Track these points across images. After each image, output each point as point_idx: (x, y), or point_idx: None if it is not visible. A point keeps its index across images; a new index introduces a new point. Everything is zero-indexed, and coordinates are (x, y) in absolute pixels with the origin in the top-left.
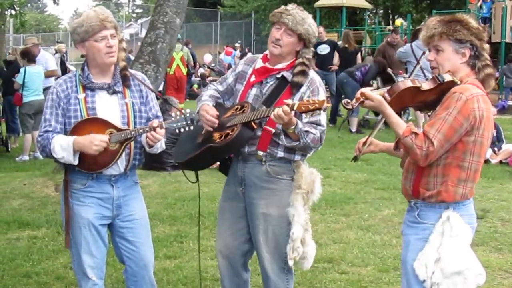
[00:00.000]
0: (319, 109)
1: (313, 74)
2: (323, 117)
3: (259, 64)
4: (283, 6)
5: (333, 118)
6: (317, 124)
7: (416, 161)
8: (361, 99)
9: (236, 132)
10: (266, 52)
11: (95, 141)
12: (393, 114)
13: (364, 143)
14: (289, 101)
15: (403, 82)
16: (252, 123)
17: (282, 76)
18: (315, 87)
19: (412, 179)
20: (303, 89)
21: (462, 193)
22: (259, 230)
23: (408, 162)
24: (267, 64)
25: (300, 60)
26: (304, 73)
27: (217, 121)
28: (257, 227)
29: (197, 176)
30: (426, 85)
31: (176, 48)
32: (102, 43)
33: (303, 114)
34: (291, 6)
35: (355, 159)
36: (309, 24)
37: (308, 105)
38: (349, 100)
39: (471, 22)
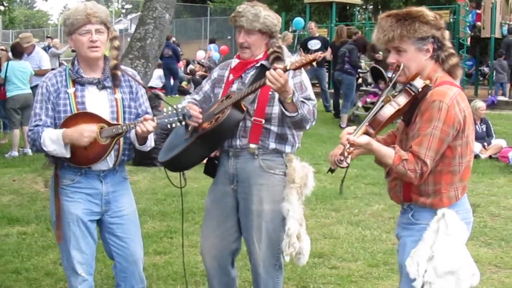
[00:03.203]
0: (314, 60)
1: (292, 59)
2: (311, 92)
3: (234, 62)
4: (237, 8)
5: (337, 112)
6: (307, 98)
7: (412, 182)
8: (351, 150)
9: (227, 113)
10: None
11: (85, 133)
12: (380, 147)
13: (341, 154)
14: (280, 65)
15: (384, 112)
16: (242, 105)
17: (262, 64)
18: (297, 70)
19: (401, 185)
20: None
21: (455, 195)
22: (253, 227)
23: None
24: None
25: (270, 50)
26: (279, 58)
27: (201, 116)
28: (251, 223)
29: (184, 179)
30: (402, 102)
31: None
32: (85, 37)
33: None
34: (242, 7)
35: (332, 171)
36: (264, 17)
37: (301, 60)
38: (341, 158)
39: (428, 15)
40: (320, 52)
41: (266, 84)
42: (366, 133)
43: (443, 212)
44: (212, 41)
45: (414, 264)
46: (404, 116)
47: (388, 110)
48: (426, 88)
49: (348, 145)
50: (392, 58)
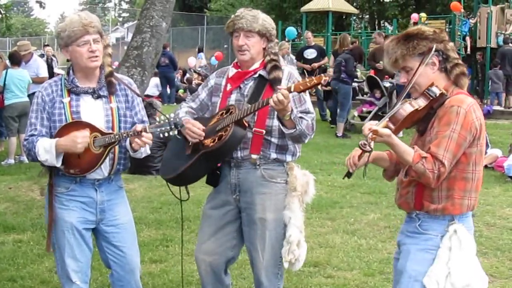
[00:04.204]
0: (319, 83)
1: (289, 69)
2: (310, 105)
3: (232, 72)
4: (232, 15)
5: (333, 120)
6: (306, 112)
7: (428, 184)
8: (374, 137)
9: (230, 131)
10: (236, 60)
11: (78, 139)
12: (400, 143)
13: (359, 157)
14: (283, 85)
15: (403, 109)
16: (244, 121)
17: (260, 75)
18: (295, 79)
19: (413, 192)
20: (283, 83)
21: (468, 204)
22: (256, 236)
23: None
24: (240, 70)
25: (267, 58)
26: (276, 68)
27: (203, 134)
28: (254, 233)
29: (188, 192)
30: (421, 103)
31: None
32: (84, 48)
33: (292, 105)
34: (240, 11)
35: (349, 175)
36: (263, 19)
37: (305, 83)
38: (365, 142)
39: (425, 31)
40: (324, 75)
41: (269, 104)
42: (387, 127)
43: (454, 228)
44: (200, 50)
45: (433, 283)
46: (419, 126)
47: (408, 108)
48: (443, 96)
49: (370, 133)
50: (403, 78)
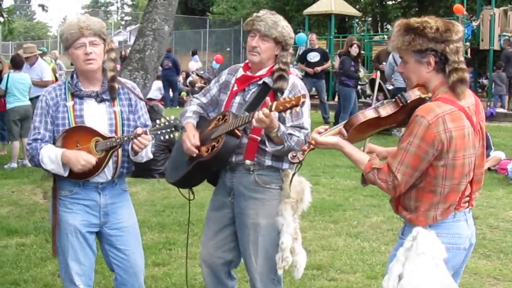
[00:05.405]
0: (296, 105)
1: (294, 79)
2: (306, 120)
3: (240, 73)
4: (255, 14)
5: (337, 122)
6: (300, 127)
7: (387, 193)
8: (311, 147)
9: (222, 142)
10: (247, 60)
11: (82, 161)
12: (352, 152)
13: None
14: (267, 101)
15: (364, 114)
16: (236, 130)
17: (264, 82)
18: (297, 91)
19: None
20: (285, 94)
21: (432, 216)
22: (249, 240)
23: None
24: (248, 73)
25: (276, 66)
26: (282, 78)
27: (196, 151)
28: (247, 237)
29: (192, 193)
30: (385, 112)
31: (47, 60)
32: (80, 50)
33: (286, 118)
34: (262, 12)
35: None
36: (283, 27)
37: (284, 103)
38: (294, 153)
39: (427, 27)
40: (303, 95)
41: (251, 122)
42: (340, 133)
43: (417, 230)
44: (194, 53)
45: (386, 280)
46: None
47: (368, 113)
48: (420, 101)
49: (308, 142)
50: (399, 68)
